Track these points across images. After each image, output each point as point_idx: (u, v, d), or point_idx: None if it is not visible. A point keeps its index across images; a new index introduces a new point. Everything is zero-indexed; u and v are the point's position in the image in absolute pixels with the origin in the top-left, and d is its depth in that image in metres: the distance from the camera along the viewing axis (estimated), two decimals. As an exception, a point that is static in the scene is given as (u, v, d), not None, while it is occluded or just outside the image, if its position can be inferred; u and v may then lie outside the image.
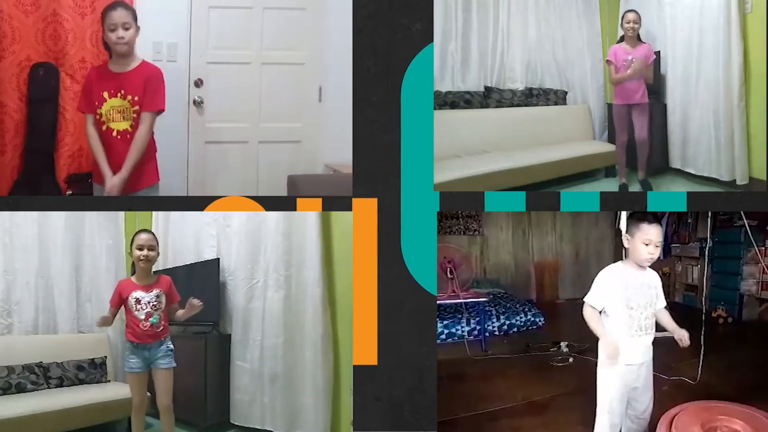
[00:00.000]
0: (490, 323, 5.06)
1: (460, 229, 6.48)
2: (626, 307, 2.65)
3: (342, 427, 3.47)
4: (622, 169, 3.95)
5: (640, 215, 2.69)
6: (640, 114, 3.93)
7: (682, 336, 2.74)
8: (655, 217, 2.69)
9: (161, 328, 3.32)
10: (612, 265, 2.74)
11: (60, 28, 3.61)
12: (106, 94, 3.25)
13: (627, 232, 2.69)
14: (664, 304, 2.78)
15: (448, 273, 4.70)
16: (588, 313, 2.70)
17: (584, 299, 2.71)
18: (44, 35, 3.60)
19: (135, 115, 3.27)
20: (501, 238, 6.77)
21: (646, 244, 2.64)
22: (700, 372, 3.71)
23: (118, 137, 3.26)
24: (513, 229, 6.80)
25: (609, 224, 5.89)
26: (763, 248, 4.98)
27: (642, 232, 2.64)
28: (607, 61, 4.00)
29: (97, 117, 3.26)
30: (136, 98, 3.26)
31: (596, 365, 2.73)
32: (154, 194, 3.37)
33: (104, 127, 3.26)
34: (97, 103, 3.24)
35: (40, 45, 3.60)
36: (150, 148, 3.34)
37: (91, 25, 3.67)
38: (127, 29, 3.20)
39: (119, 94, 3.25)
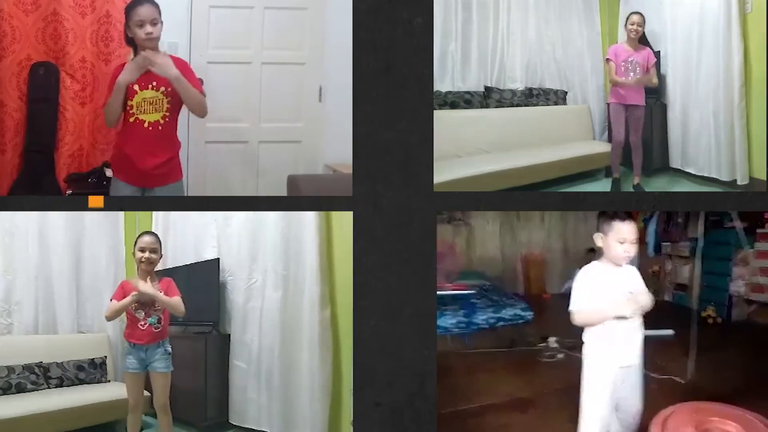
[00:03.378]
0: (476, 316, 5.01)
1: (444, 218, 6.41)
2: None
3: (343, 428, 3.47)
4: (615, 167, 3.96)
5: (611, 212, 2.62)
6: (636, 116, 3.93)
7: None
8: (628, 215, 2.62)
9: (160, 329, 3.31)
10: (587, 266, 2.66)
11: (60, 27, 3.61)
12: (136, 87, 3.21)
13: (599, 230, 2.62)
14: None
15: None
16: (582, 317, 2.61)
17: (570, 309, 2.63)
18: (44, 34, 3.60)
19: (169, 106, 3.25)
20: (488, 229, 6.72)
21: (621, 243, 2.57)
22: (689, 372, 3.70)
23: (149, 128, 3.24)
24: (501, 221, 6.75)
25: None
26: (753, 250, 4.98)
27: (615, 231, 2.57)
28: (607, 59, 4.00)
29: (127, 109, 3.22)
30: (169, 89, 3.23)
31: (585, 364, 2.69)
32: (178, 191, 3.36)
33: (132, 119, 3.22)
34: (127, 95, 3.21)
35: (41, 44, 3.60)
36: (176, 144, 3.35)
37: (91, 25, 3.67)
38: (155, 25, 3.20)
39: (151, 86, 3.23)
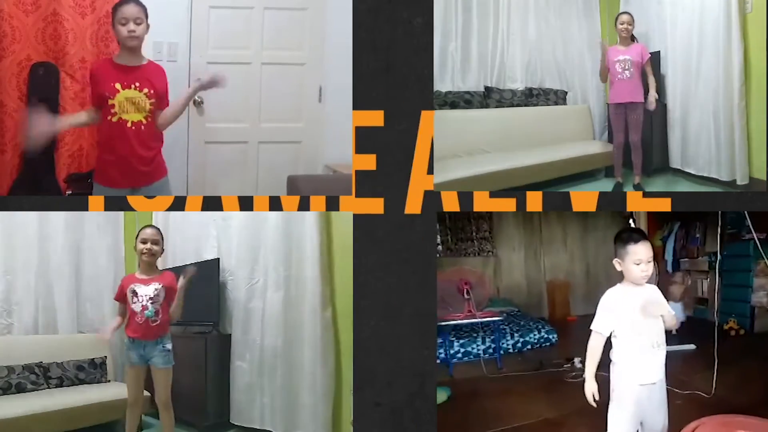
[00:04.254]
0: (504, 341, 5.07)
1: (474, 251, 6.49)
2: (634, 327, 2.64)
3: (344, 427, 3.47)
4: (618, 169, 3.95)
5: (625, 237, 2.67)
6: (634, 114, 3.92)
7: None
8: (641, 235, 2.68)
9: (157, 322, 3.29)
10: (611, 289, 2.72)
11: (60, 27, 3.61)
12: (118, 86, 3.19)
13: (616, 256, 2.68)
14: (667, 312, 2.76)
15: (465, 294, 4.73)
16: (592, 344, 2.67)
17: (591, 327, 2.69)
18: (44, 35, 3.60)
19: (151, 107, 3.23)
20: (513, 258, 6.78)
21: (638, 264, 2.63)
22: (714, 385, 3.70)
23: (132, 128, 3.22)
24: (525, 249, 6.80)
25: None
26: (773, 261, 4.98)
27: (630, 254, 2.63)
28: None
29: (108, 107, 3.20)
30: (151, 91, 3.22)
31: (609, 383, 2.70)
32: (165, 187, 3.34)
33: (116, 118, 3.19)
34: (108, 94, 3.19)
35: (40, 44, 3.60)
36: (159, 142, 3.34)
37: (91, 25, 3.67)
38: (138, 24, 3.19)
39: (133, 86, 3.21)
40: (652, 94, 3.93)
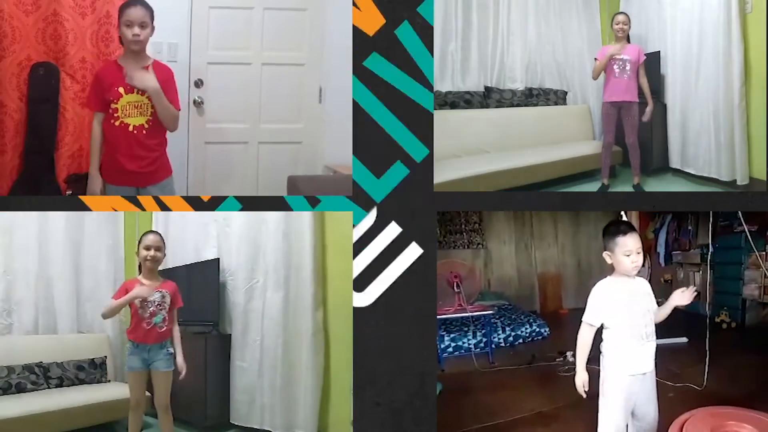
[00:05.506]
0: (496, 335, 5.07)
1: (464, 243, 6.49)
2: (626, 318, 2.66)
3: (331, 428, 3.49)
4: (605, 170, 3.96)
5: (613, 229, 2.69)
6: (629, 114, 3.92)
7: (684, 293, 2.70)
8: (629, 226, 2.70)
9: (164, 329, 3.31)
10: (602, 281, 2.74)
11: (60, 27, 3.62)
12: (121, 90, 3.23)
13: (606, 249, 2.70)
14: (656, 307, 2.78)
15: (455, 287, 4.72)
16: (582, 336, 2.69)
17: (583, 320, 2.71)
18: (44, 35, 3.60)
19: (152, 110, 3.26)
20: (504, 251, 6.78)
21: (627, 255, 2.65)
22: (706, 378, 3.72)
23: (134, 131, 3.26)
24: (516, 242, 6.81)
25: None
26: (764, 253, 4.99)
27: (620, 245, 2.65)
28: (595, 59, 4.02)
29: (111, 112, 3.24)
30: None
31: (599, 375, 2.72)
32: (168, 187, 3.37)
33: (118, 122, 3.24)
34: (112, 98, 3.23)
35: (41, 45, 3.60)
36: (162, 144, 3.36)
37: (91, 25, 3.67)
38: (143, 28, 3.20)
39: (136, 90, 3.24)
40: (649, 109, 3.95)
